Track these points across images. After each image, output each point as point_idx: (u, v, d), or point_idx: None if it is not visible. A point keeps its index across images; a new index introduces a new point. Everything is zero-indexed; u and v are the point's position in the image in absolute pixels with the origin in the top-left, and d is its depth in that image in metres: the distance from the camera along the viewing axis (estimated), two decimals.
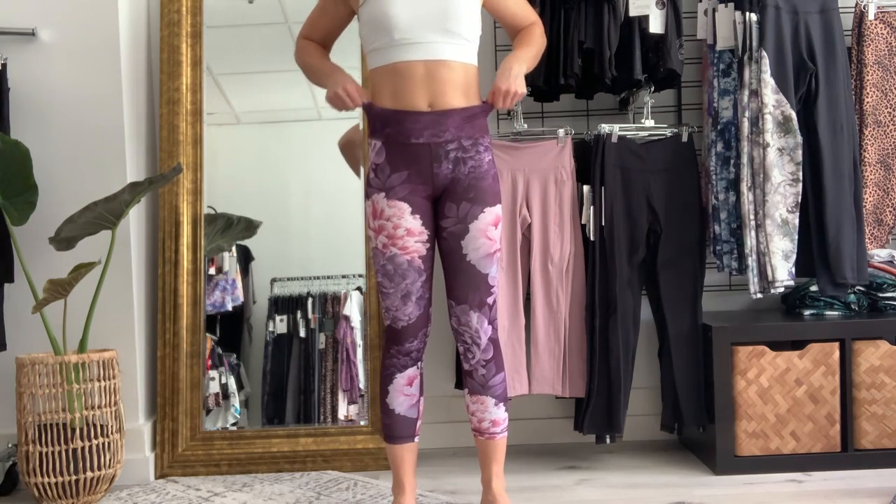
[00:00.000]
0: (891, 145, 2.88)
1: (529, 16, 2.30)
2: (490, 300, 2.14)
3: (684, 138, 2.77)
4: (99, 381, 2.51)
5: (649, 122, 2.77)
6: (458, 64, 2.09)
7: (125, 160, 2.75)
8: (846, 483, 2.50)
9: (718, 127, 2.79)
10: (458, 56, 2.09)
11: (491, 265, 2.14)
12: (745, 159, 2.65)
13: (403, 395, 2.20)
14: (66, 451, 2.43)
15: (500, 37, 3.04)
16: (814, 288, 2.81)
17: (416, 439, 2.25)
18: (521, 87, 2.11)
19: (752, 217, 2.65)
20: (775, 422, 2.63)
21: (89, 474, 2.46)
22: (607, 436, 2.74)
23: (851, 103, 2.72)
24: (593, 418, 2.70)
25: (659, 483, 2.57)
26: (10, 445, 2.71)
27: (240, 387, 3.03)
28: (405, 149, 2.09)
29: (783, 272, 2.61)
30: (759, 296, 2.65)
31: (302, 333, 3.03)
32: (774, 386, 2.62)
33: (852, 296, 2.81)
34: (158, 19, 2.98)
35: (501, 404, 2.18)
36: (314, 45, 2.30)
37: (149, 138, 2.97)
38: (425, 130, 2.08)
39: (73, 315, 2.62)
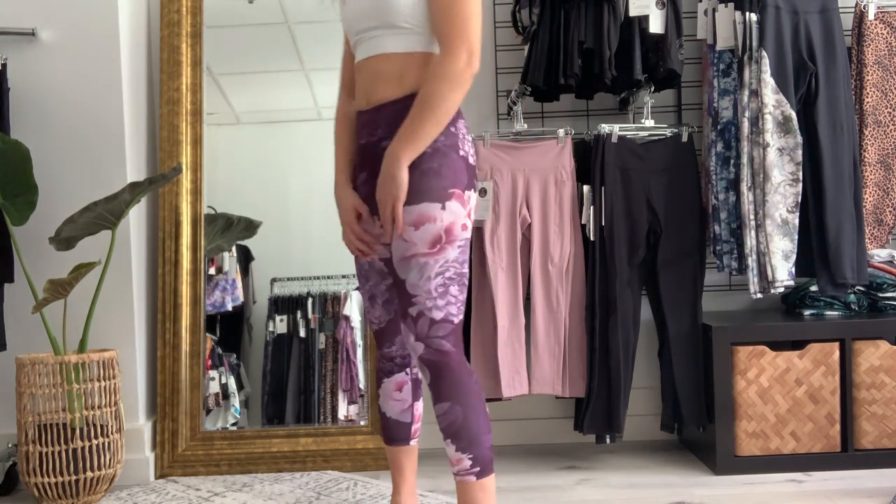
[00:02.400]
0: (891, 145, 2.88)
1: (445, 35, 1.82)
2: (413, 311, 1.86)
3: (684, 138, 2.77)
4: (99, 381, 2.51)
5: (649, 122, 2.77)
6: (398, 55, 1.87)
7: (125, 160, 2.75)
8: (846, 483, 2.50)
9: (718, 127, 2.79)
10: (400, 46, 1.87)
11: (408, 270, 1.85)
12: (745, 159, 2.65)
13: (393, 399, 2.15)
14: (66, 451, 2.43)
15: (500, 37, 3.04)
16: (814, 288, 2.81)
17: (413, 442, 2.19)
18: (395, 196, 1.81)
19: (752, 217, 2.65)
20: (775, 422, 2.63)
21: (89, 474, 2.46)
22: (607, 436, 2.74)
23: (851, 103, 2.72)
24: (593, 418, 2.70)
25: (659, 483, 2.57)
26: (10, 445, 2.71)
27: (240, 387, 3.03)
28: (359, 150, 2.01)
29: (783, 272, 2.62)
30: (759, 296, 2.65)
31: (302, 333, 3.03)
32: (774, 386, 2.63)
33: (852, 296, 2.81)
34: (158, 19, 2.99)
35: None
36: (339, 126, 2.09)
37: (149, 138, 2.97)
38: (363, 130, 1.96)
39: (73, 315, 2.62)
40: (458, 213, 1.84)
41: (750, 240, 2.65)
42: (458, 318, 1.87)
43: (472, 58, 1.81)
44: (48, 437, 2.43)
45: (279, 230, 3.06)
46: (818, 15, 2.67)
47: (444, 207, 1.83)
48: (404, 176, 1.81)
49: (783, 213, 2.63)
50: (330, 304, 3.03)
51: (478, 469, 1.85)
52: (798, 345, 2.65)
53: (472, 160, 1.90)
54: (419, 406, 2.20)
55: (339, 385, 2.98)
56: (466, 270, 1.90)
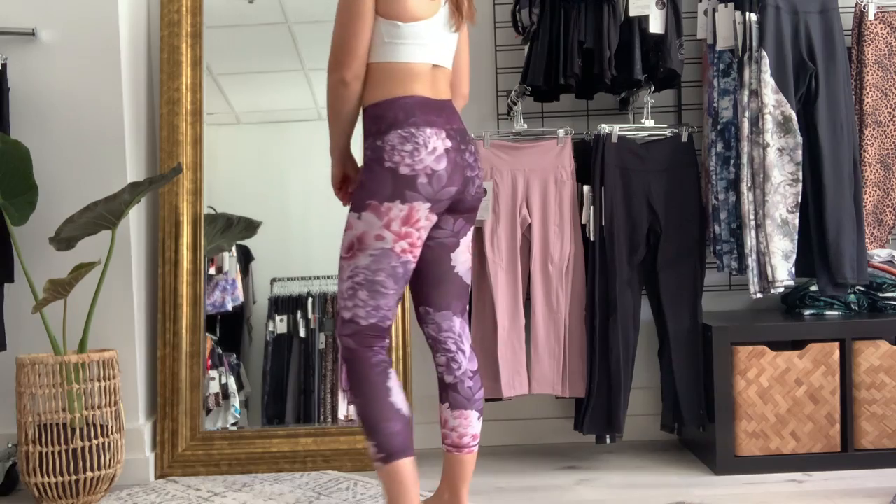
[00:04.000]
0: (891, 145, 2.88)
1: None
2: (338, 308, 2.04)
3: (684, 138, 2.77)
4: (99, 381, 2.51)
5: (649, 122, 2.77)
6: None
7: (125, 160, 2.75)
8: (846, 483, 2.50)
9: (718, 127, 2.79)
10: None
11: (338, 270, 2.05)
12: (745, 159, 2.65)
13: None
14: (66, 451, 2.43)
15: (500, 37, 3.04)
16: (814, 288, 2.81)
17: (458, 452, 2.13)
18: (332, 183, 2.16)
19: (752, 217, 2.65)
20: (775, 422, 2.63)
21: (89, 474, 2.46)
22: (607, 436, 2.74)
23: (851, 103, 2.72)
24: (593, 418, 2.70)
25: (659, 483, 2.57)
26: (10, 445, 2.71)
27: (240, 387, 3.03)
28: None
29: (783, 272, 2.61)
30: (759, 296, 2.65)
31: (302, 333, 3.03)
32: (774, 386, 2.62)
33: (852, 296, 2.81)
34: (158, 19, 2.98)
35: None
36: None
37: (149, 138, 2.97)
38: None
39: (73, 315, 2.62)
40: (371, 224, 1.92)
41: (750, 240, 2.65)
42: (367, 321, 1.95)
43: (337, 67, 1.93)
44: (48, 437, 2.43)
45: (279, 230, 3.06)
46: (818, 15, 2.67)
47: (359, 217, 1.94)
48: (333, 167, 2.13)
49: (783, 213, 2.63)
50: (330, 304, 3.03)
51: (382, 455, 1.91)
52: (798, 345, 2.65)
53: (405, 170, 1.89)
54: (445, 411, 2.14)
55: (339, 385, 2.98)
56: (384, 279, 1.94)
